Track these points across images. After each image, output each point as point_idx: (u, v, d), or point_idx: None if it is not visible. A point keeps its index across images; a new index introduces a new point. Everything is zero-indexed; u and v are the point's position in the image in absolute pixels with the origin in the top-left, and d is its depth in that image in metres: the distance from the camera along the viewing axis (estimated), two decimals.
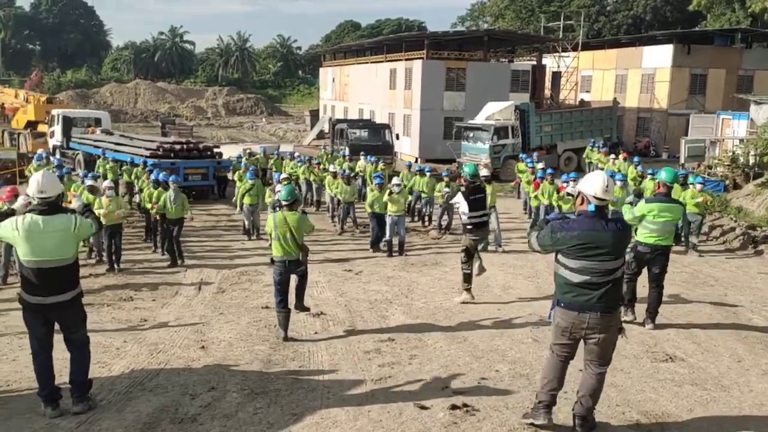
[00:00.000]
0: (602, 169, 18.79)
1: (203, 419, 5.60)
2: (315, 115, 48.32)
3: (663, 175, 8.80)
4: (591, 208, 5.16)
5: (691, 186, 13.75)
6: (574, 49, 37.93)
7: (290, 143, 39.52)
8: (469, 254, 9.70)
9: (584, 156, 25.10)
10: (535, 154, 21.36)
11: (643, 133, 36.27)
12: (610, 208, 5.70)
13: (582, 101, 36.50)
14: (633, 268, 8.56)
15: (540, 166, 17.47)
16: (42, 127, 31.41)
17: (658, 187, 8.80)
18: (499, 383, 6.47)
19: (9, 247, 11.02)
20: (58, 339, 5.77)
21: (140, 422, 5.51)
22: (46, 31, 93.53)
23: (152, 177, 13.63)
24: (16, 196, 11.55)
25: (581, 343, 5.32)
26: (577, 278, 5.12)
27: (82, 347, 5.75)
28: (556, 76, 37.96)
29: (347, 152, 23.98)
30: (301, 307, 8.38)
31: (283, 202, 8.02)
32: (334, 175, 16.68)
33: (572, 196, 12.79)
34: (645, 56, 36.42)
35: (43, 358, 5.61)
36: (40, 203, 5.56)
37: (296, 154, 22.24)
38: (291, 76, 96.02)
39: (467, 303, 9.58)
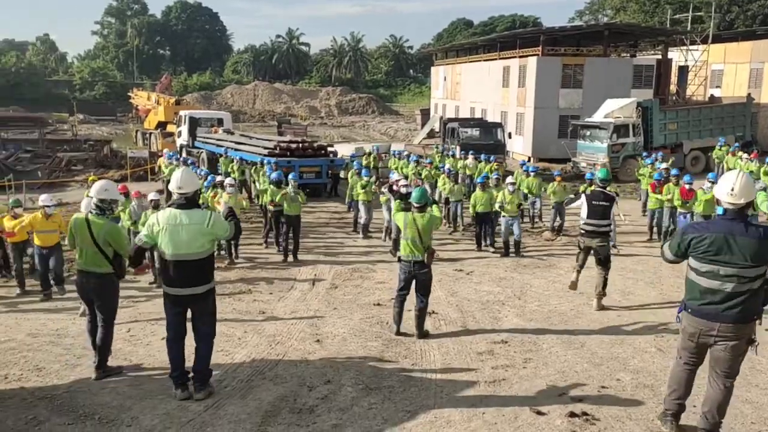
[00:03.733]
0: (731, 169, 17.53)
1: (320, 411, 5.73)
2: (426, 114, 48.39)
3: None
4: (719, 210, 4.97)
5: None
6: (704, 41, 35.58)
7: (401, 142, 39.82)
8: (579, 256, 9.48)
9: (713, 155, 23.56)
10: (659, 154, 20.25)
11: None
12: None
13: (712, 97, 34.16)
14: None
15: (663, 166, 16.53)
16: (171, 127, 33.49)
17: None
18: (621, 393, 6.18)
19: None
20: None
21: (262, 410, 5.72)
22: (176, 37, 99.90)
23: (272, 177, 14.11)
24: (125, 194, 12.45)
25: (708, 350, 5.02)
26: (706, 283, 4.82)
27: (207, 339, 6.05)
28: (683, 70, 35.77)
29: (458, 151, 23.83)
30: (420, 334, 8.01)
31: (415, 204, 8.07)
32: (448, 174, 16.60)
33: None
34: None
35: (176, 342, 6.00)
36: (178, 198, 5.94)
37: (405, 153, 22.36)
38: (402, 76, 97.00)
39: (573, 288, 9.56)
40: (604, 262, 9.32)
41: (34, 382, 6.46)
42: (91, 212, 6.57)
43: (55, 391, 6.16)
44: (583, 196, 9.67)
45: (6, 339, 7.89)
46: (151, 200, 11.53)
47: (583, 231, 9.46)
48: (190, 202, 5.96)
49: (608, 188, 9.70)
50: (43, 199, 10.68)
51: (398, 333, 7.99)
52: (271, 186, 13.47)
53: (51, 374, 6.56)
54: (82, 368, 6.66)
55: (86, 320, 6.74)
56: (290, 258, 12.82)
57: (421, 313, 8.02)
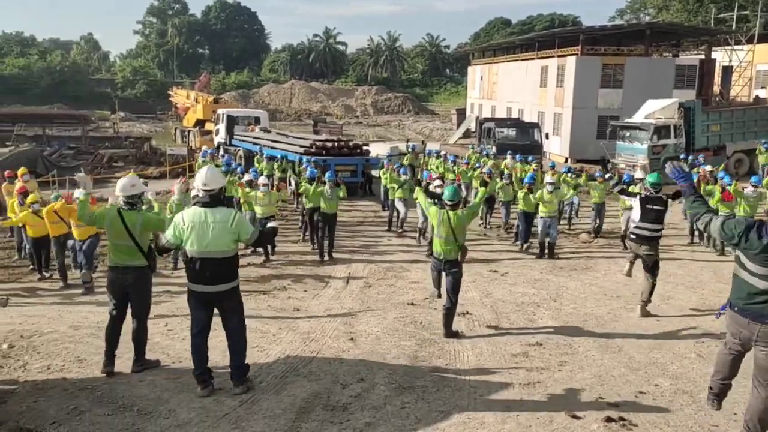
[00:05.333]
0: None
1: (353, 408, 5.74)
2: (462, 114, 48.20)
3: None
4: None
5: None
6: (749, 41, 34.66)
7: (436, 142, 39.72)
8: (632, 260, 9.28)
9: (758, 158, 22.98)
10: (701, 156, 19.81)
11: None
12: None
13: (757, 98, 33.25)
14: None
15: (708, 168, 16.18)
16: (209, 125, 33.98)
17: None
18: (659, 398, 6.06)
19: None
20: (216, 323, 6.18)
21: (296, 406, 5.76)
22: (215, 36, 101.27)
23: (308, 174, 14.23)
24: (188, 189, 12.60)
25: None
26: (762, 285, 4.70)
27: (238, 334, 6.06)
28: (727, 71, 34.90)
29: (493, 151, 23.68)
30: (447, 333, 7.98)
31: (447, 202, 8.06)
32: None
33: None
34: None
35: (198, 341, 6.01)
36: (203, 196, 5.96)
37: (442, 152, 22.28)
38: (438, 75, 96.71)
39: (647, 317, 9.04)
40: (651, 269, 9.01)
41: (75, 373, 6.61)
42: (122, 208, 6.60)
43: (95, 382, 6.29)
44: (637, 198, 9.39)
45: (49, 330, 8.10)
46: (194, 196, 11.72)
47: (633, 236, 9.19)
48: (214, 199, 5.94)
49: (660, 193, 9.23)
50: (78, 193, 10.94)
51: (440, 295, 8.10)
52: (305, 183, 13.58)
53: (92, 366, 6.71)
54: (122, 360, 6.78)
55: (108, 322, 6.63)
56: (326, 257, 12.89)
57: (449, 313, 7.98)
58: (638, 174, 14.55)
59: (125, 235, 6.47)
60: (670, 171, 5.35)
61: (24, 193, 12.10)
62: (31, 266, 12.19)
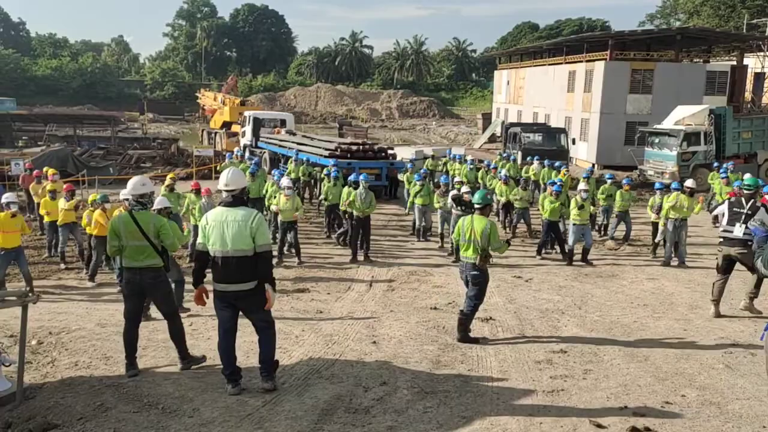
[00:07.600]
0: None
1: (375, 412, 5.74)
2: (487, 118, 48.01)
3: None
4: None
5: None
6: None
7: (461, 146, 39.60)
8: (718, 267, 9.29)
9: None
10: (730, 164, 19.48)
11: None
12: None
13: None
14: None
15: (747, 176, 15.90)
16: (235, 128, 34.26)
17: None
18: (685, 409, 5.96)
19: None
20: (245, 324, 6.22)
21: (318, 408, 5.78)
22: (242, 39, 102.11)
23: (350, 178, 14.20)
24: (197, 191, 12.92)
25: None
26: None
27: (266, 329, 6.10)
28: (760, 77, 34.34)
29: (519, 157, 23.54)
30: (460, 337, 7.94)
31: (476, 205, 8.06)
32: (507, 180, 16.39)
33: None
34: None
35: (225, 341, 6.06)
36: (226, 196, 6.06)
37: (469, 158, 22.19)
38: (464, 79, 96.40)
39: (715, 318, 9.09)
40: (753, 269, 9.03)
41: (102, 370, 6.72)
42: (133, 209, 6.65)
43: (121, 379, 6.39)
44: (726, 202, 9.47)
45: (77, 327, 8.24)
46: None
47: (721, 239, 9.25)
48: (237, 200, 6.03)
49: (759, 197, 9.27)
50: (124, 193, 11.09)
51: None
52: (349, 187, 13.59)
53: (118, 363, 6.79)
54: (147, 359, 6.87)
55: (125, 326, 6.64)
56: (360, 257, 12.93)
57: (466, 318, 7.96)
58: (667, 181, 14.36)
59: (139, 235, 6.49)
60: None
61: (71, 192, 12.47)
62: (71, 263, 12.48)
